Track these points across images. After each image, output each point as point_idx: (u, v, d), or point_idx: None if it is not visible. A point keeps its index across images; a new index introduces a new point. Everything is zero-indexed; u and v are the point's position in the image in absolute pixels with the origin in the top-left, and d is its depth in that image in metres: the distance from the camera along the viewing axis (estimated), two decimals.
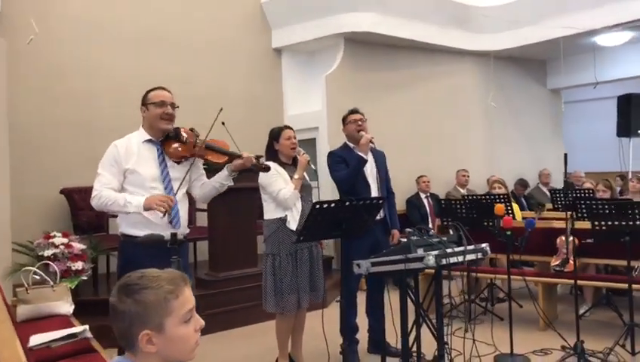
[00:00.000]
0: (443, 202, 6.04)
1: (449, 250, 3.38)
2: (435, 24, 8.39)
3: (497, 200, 5.52)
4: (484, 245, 3.62)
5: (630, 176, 8.84)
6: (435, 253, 3.26)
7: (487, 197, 5.69)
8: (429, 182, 8.14)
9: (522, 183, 9.44)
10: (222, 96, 7.42)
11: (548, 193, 9.10)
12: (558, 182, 10.10)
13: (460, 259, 3.46)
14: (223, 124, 3.22)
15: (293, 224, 4.08)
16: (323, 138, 7.81)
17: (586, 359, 4.29)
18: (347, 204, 3.41)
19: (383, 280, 4.41)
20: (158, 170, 3.22)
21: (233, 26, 8.06)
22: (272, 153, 4.24)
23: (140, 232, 3.09)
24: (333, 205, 3.32)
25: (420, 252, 3.33)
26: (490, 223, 5.28)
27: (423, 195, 8.03)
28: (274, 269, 4.10)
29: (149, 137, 3.26)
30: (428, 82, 9.03)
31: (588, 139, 10.86)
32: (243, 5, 8.17)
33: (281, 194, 4.04)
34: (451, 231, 3.77)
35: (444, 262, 3.31)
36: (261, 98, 8.24)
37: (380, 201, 3.73)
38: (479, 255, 3.59)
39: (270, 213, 4.17)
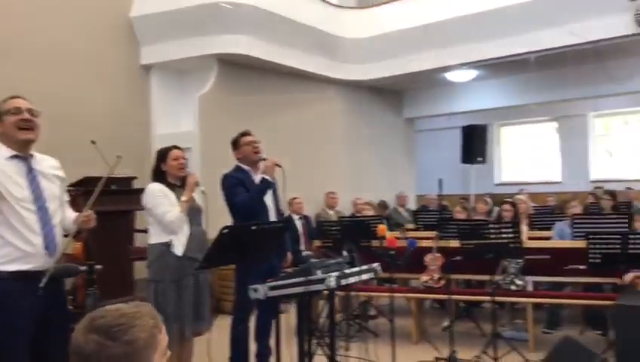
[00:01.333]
0: (319, 224, 6.22)
1: (347, 271, 3.49)
2: (305, 51, 8.70)
3: (372, 222, 5.82)
4: (375, 265, 3.80)
5: (474, 198, 9.88)
6: (336, 274, 3.35)
7: (365, 218, 5.97)
8: (301, 203, 8.30)
9: (383, 205, 10.03)
10: (84, 113, 6.91)
11: (405, 214, 9.77)
12: (412, 204, 10.92)
13: (357, 279, 3.61)
14: (94, 142, 3.00)
15: (179, 249, 3.90)
16: (195, 159, 7.62)
17: None
18: (254, 228, 3.37)
19: (277, 305, 4.39)
20: (28, 190, 2.88)
21: (100, 38, 7.59)
22: (158, 174, 4.03)
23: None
24: (243, 229, 3.27)
25: (320, 274, 3.40)
26: (367, 243, 5.57)
27: (296, 217, 8.16)
28: (156, 296, 3.88)
29: (14, 153, 2.89)
30: (299, 107, 9.29)
31: (437, 165, 11.91)
32: (111, 18, 7.74)
33: (166, 218, 3.86)
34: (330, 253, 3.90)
35: (343, 282, 3.42)
36: (127, 116, 7.82)
37: (284, 225, 3.75)
38: (372, 274, 3.77)
39: (155, 236, 3.95)
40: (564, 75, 8.10)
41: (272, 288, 3.44)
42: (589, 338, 5.50)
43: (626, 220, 5.49)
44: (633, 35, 6.66)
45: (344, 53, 9.17)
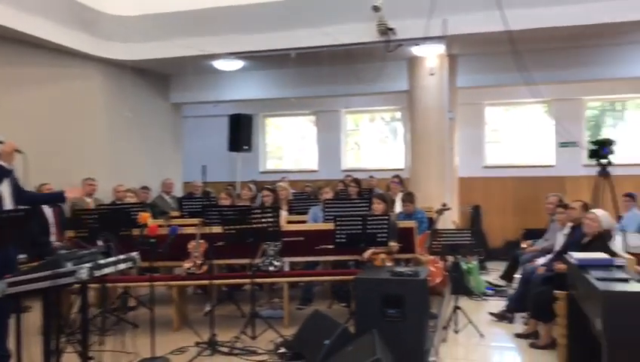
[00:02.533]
0: (74, 212, 5.75)
1: (102, 261, 3.32)
2: (59, 23, 7.88)
3: (134, 210, 5.60)
4: (134, 254, 3.68)
5: (240, 185, 10.18)
6: (89, 265, 3.16)
7: (126, 206, 5.70)
8: (52, 190, 7.53)
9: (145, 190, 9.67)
10: None
11: (170, 201, 9.59)
12: (179, 191, 10.77)
13: (113, 269, 3.44)
14: None
15: None
16: None
17: (218, 349, 4.80)
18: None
19: (13, 303, 3.92)
20: None
21: None
22: None
23: None
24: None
25: (70, 266, 3.16)
26: (127, 232, 5.34)
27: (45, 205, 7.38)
28: None
29: None
30: (52, 85, 8.39)
31: (204, 152, 11.94)
32: None
33: None
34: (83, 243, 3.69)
35: (96, 274, 3.24)
36: None
37: (24, 214, 3.36)
38: (130, 264, 3.63)
39: None
40: (320, 73, 8.84)
41: (12, 284, 3.10)
42: (336, 310, 6.15)
43: (367, 204, 6.24)
44: (377, 41, 7.61)
45: (106, 29, 8.55)
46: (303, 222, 6.75)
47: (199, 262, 5.59)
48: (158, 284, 5.26)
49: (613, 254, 4.68)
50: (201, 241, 5.67)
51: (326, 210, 6.30)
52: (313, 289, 6.71)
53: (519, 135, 11.31)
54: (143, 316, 5.71)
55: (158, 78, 10.77)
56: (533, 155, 11.03)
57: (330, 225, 5.35)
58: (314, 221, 6.58)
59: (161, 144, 10.89)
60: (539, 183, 10.16)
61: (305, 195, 8.84)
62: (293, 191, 9.50)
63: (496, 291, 7.36)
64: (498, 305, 6.51)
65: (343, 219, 5.19)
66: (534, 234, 7.95)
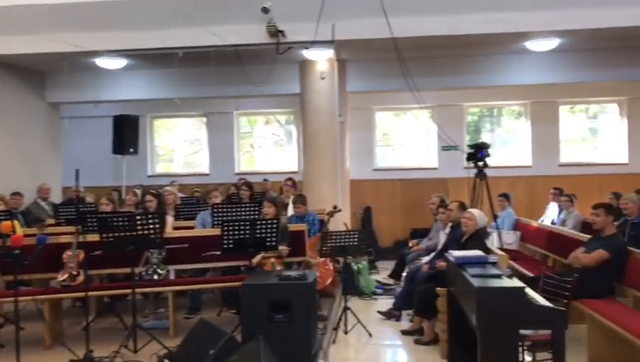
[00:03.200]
0: None
1: None
2: None
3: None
4: None
5: (125, 190, 9.66)
6: None
7: None
8: None
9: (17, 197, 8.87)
10: None
11: (46, 207, 8.88)
12: (57, 197, 10.01)
13: None
14: None
15: None
16: None
17: None
18: None
19: None
20: None
21: None
22: None
23: None
24: None
25: None
26: None
27: None
28: None
29: None
30: None
31: (86, 155, 11.19)
32: None
33: None
34: None
35: None
36: None
37: None
38: None
39: None
40: (209, 74, 8.60)
41: None
42: (225, 318, 5.99)
43: (258, 208, 6.14)
44: (266, 43, 7.54)
45: None
46: (191, 227, 6.51)
47: (74, 273, 5.19)
48: (25, 299, 4.79)
49: (488, 251, 4.97)
50: (78, 251, 5.27)
51: (215, 215, 6.12)
52: (201, 297, 6.49)
53: (407, 139, 11.78)
54: (10, 334, 5.18)
55: (32, 75, 9.93)
56: (419, 158, 11.53)
57: (217, 231, 5.18)
58: (202, 226, 6.37)
59: (36, 146, 10.04)
60: (424, 185, 10.63)
61: (194, 200, 8.57)
62: (182, 195, 9.18)
63: (385, 290, 7.57)
64: (387, 303, 6.68)
65: (230, 223, 5.05)
66: (420, 233, 8.30)
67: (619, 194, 7.89)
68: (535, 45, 8.14)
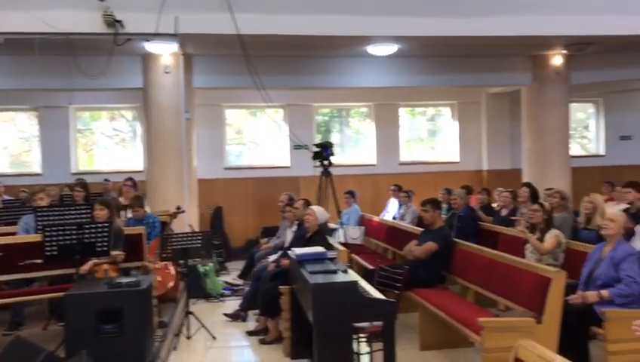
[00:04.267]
0: None
1: None
2: None
3: None
4: None
5: None
6: None
7: None
8: None
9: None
10: None
11: None
12: None
13: None
14: None
15: None
16: None
17: None
18: None
19: None
20: None
21: None
22: None
23: None
24: None
25: None
26: None
27: None
28: None
29: None
30: None
31: None
32: None
33: None
34: None
35: None
36: None
37: None
38: None
39: None
40: (33, 63, 7.76)
41: None
42: (52, 332, 5.43)
43: (90, 211, 5.63)
44: (102, 33, 6.99)
45: None
46: (13, 233, 5.80)
47: None
48: None
49: (330, 247, 5.07)
50: None
51: (38, 219, 5.50)
52: (24, 310, 5.82)
53: (260, 137, 11.74)
54: None
55: None
56: (271, 157, 11.55)
57: (36, 237, 4.66)
58: (26, 232, 5.70)
59: None
60: (277, 183, 10.67)
61: (18, 202, 7.70)
62: (7, 197, 8.23)
63: (234, 291, 7.44)
64: (235, 304, 6.56)
65: (53, 228, 4.57)
66: (272, 232, 8.27)
67: (450, 190, 8.57)
68: (376, 50, 8.54)
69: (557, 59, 9.32)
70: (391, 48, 8.47)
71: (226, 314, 6.24)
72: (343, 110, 12.18)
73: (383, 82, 9.71)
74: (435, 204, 5.75)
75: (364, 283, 4.04)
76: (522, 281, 4.33)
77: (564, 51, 9.12)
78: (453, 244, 5.60)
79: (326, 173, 7.83)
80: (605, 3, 7.84)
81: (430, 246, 5.44)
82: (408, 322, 5.61)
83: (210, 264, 7.40)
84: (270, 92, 8.04)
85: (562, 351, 3.77)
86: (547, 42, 8.62)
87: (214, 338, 5.49)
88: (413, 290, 5.22)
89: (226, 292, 7.38)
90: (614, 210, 5.78)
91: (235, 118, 11.74)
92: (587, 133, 12.69)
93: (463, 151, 11.92)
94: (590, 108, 12.52)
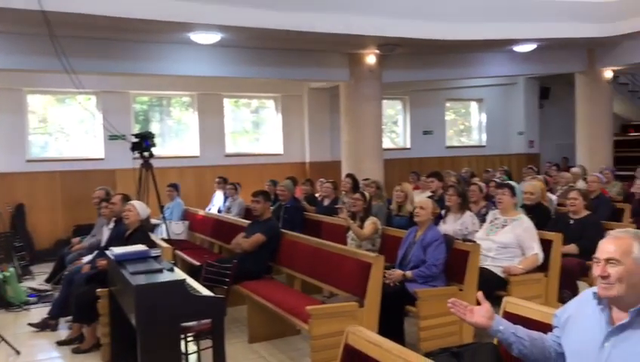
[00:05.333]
0: None
1: None
2: None
3: None
4: None
5: None
6: None
7: None
8: None
9: None
10: None
11: None
12: None
13: None
14: None
15: None
16: None
17: None
18: None
19: None
20: None
21: None
22: None
23: None
24: None
25: None
26: None
27: None
28: None
29: None
30: None
31: None
32: None
33: None
34: None
35: None
36: None
37: None
38: None
39: None
40: None
41: None
42: None
43: None
44: None
45: None
46: None
47: None
48: None
49: (152, 244, 4.78)
50: None
51: None
52: None
53: (69, 127, 10.67)
54: None
55: None
56: (83, 148, 10.58)
57: None
58: None
59: None
60: (90, 177, 9.78)
61: None
62: None
63: (41, 297, 6.67)
64: (43, 312, 5.87)
65: None
66: (86, 230, 7.58)
67: (275, 182, 8.69)
68: (198, 37, 8.27)
69: (371, 58, 9.95)
70: (214, 37, 8.27)
71: (31, 324, 5.56)
72: (164, 99, 11.64)
73: (207, 71, 9.45)
74: (266, 195, 5.77)
75: (191, 281, 3.88)
76: (345, 267, 4.54)
77: (377, 51, 9.77)
78: (280, 235, 5.68)
79: (146, 165, 7.38)
80: (413, 8, 8.58)
81: (258, 237, 5.44)
82: (236, 316, 5.56)
83: (11, 269, 6.53)
84: (81, 77, 7.31)
85: (380, 329, 4.05)
86: (362, 41, 9.15)
87: (18, 352, 4.86)
88: (240, 283, 5.17)
89: (31, 299, 6.58)
90: (421, 198, 6.37)
91: (38, 104, 10.50)
92: (396, 127, 13.84)
93: (287, 143, 12.19)
94: (398, 105, 13.68)
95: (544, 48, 10.24)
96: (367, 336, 2.34)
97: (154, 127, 11.10)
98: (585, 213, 5.52)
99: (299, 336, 5.13)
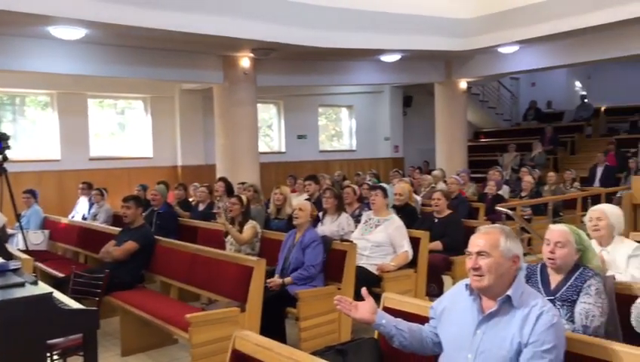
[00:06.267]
0: None
1: None
2: None
3: None
4: None
5: None
6: None
7: None
8: None
9: None
10: None
11: None
12: None
13: None
14: None
15: None
16: None
17: None
18: None
19: None
20: None
21: None
22: None
23: None
24: None
25: None
26: None
27: None
28: None
29: None
30: None
31: None
32: None
33: None
34: None
35: None
36: None
37: None
38: None
39: None
40: None
41: None
42: None
43: None
44: None
45: None
46: None
47: None
48: None
49: (9, 256, 4.34)
50: None
51: None
52: None
53: None
54: None
55: None
56: None
57: None
58: None
59: None
60: None
61: None
62: None
63: None
64: None
65: None
66: None
67: (146, 187, 8.32)
68: (59, 32, 7.66)
69: (245, 61, 9.93)
70: (77, 32, 7.72)
71: None
72: (17, 97, 10.63)
73: (68, 69, 8.78)
74: (137, 200, 5.50)
75: (58, 294, 3.57)
76: (226, 273, 4.47)
77: (252, 55, 9.77)
78: (154, 242, 5.45)
79: (0, 169, 6.67)
80: (288, 15, 8.71)
81: (130, 245, 5.17)
82: (106, 329, 5.21)
83: None
84: None
85: (262, 333, 4.04)
86: (237, 44, 9.09)
87: None
88: (112, 294, 4.88)
89: None
90: (299, 200, 6.48)
91: None
92: (270, 131, 13.93)
93: (157, 146, 11.73)
94: (273, 109, 13.78)
95: (407, 59, 10.93)
96: (256, 340, 2.33)
97: (5, 128, 10.06)
98: (447, 212, 5.97)
99: (176, 346, 4.96)
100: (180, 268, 5.06)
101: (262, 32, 8.57)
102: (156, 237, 5.61)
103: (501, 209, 7.11)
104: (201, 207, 7.57)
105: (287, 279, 4.59)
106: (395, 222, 5.22)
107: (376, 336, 2.81)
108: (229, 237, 5.51)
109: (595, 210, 3.60)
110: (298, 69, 10.78)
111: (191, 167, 11.72)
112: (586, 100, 15.88)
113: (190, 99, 11.89)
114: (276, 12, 8.59)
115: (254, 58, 9.92)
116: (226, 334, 3.71)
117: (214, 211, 6.15)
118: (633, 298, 2.77)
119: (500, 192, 8.69)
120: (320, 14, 8.99)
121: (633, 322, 2.64)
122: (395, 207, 5.98)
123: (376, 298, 2.84)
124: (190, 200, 8.29)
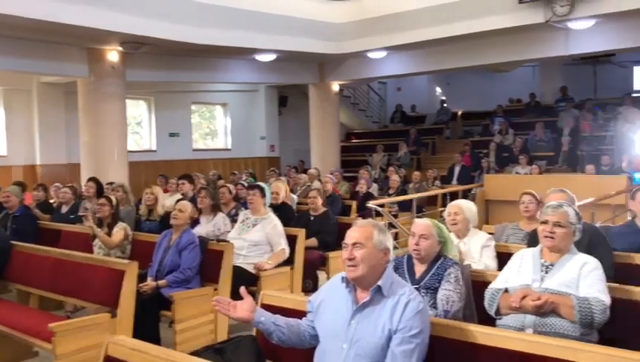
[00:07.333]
0: None
1: None
2: None
3: None
4: None
5: None
6: None
7: None
8: None
9: None
10: None
11: None
12: None
13: None
14: None
15: None
16: None
17: None
18: None
19: None
20: None
21: None
22: None
23: None
24: None
25: None
26: None
27: None
28: None
29: None
30: None
31: None
32: None
33: None
34: None
35: None
36: None
37: None
38: None
39: None
40: None
41: None
42: None
43: None
44: None
45: None
46: None
47: None
48: None
49: None
50: None
51: None
52: None
53: None
54: None
55: None
56: None
57: None
58: None
59: None
60: None
61: None
62: None
63: None
64: None
65: None
66: None
67: None
68: None
69: (113, 55, 9.41)
70: None
71: None
72: None
73: None
74: None
75: None
76: (94, 278, 4.22)
77: (120, 48, 9.29)
78: (10, 247, 4.99)
79: None
80: (159, 9, 8.40)
81: None
82: None
83: None
84: None
85: (136, 338, 3.88)
86: (103, 37, 8.59)
87: None
88: None
89: None
90: (172, 201, 6.30)
91: None
92: (140, 129, 13.33)
93: (11, 143, 10.74)
94: (143, 106, 13.21)
95: (282, 60, 11.06)
96: (131, 344, 2.25)
97: None
98: (322, 209, 6.15)
99: (36, 359, 4.59)
100: (40, 275, 4.68)
101: (131, 25, 8.19)
102: (12, 242, 5.14)
103: (371, 206, 7.48)
104: (64, 209, 7.05)
105: (162, 282, 4.45)
106: (273, 220, 5.28)
107: (254, 334, 2.84)
108: (96, 240, 5.21)
109: (453, 206, 3.96)
110: (170, 64, 10.44)
111: (51, 166, 10.87)
112: (445, 105, 17.14)
113: (50, 93, 11.02)
114: (147, 5, 8.26)
115: (123, 52, 9.44)
116: (95, 342, 3.52)
117: (81, 213, 5.77)
118: (487, 284, 3.08)
119: (370, 190, 9.11)
120: (194, 10, 8.80)
121: (486, 305, 2.93)
122: (272, 205, 6.04)
123: (254, 297, 2.87)
124: (51, 201, 7.69)
